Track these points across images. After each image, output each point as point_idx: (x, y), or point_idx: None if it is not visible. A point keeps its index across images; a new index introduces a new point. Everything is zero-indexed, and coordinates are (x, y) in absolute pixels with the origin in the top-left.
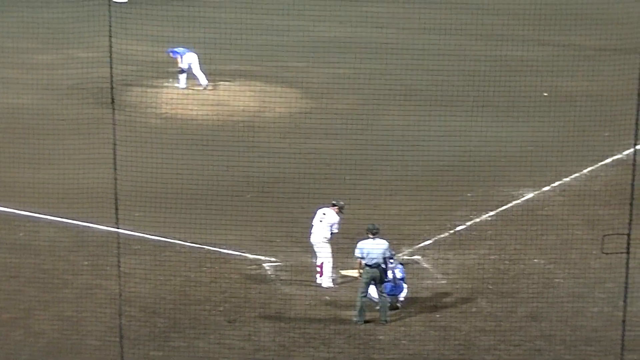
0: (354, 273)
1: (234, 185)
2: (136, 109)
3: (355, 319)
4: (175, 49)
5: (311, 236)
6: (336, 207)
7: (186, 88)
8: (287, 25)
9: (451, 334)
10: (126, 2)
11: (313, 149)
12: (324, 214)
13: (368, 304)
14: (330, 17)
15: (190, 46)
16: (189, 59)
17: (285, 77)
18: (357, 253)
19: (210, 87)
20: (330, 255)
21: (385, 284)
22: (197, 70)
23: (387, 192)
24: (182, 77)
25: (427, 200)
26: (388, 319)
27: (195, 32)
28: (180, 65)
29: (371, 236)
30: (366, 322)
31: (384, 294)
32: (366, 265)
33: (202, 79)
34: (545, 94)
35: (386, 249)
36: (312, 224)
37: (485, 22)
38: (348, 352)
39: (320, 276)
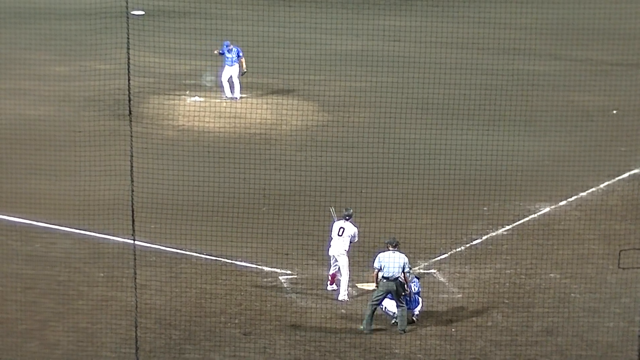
0: (370, 286)
1: (250, 197)
2: (153, 121)
3: (362, 326)
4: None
5: (330, 249)
6: (350, 219)
7: (232, 98)
8: (303, 39)
9: (467, 348)
10: (143, 15)
11: (329, 161)
12: (342, 227)
13: (382, 315)
14: (347, 30)
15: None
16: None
17: (302, 90)
18: (376, 264)
19: (228, 101)
20: (347, 268)
21: (404, 296)
22: (236, 80)
23: (403, 205)
24: (226, 86)
25: (443, 213)
26: (406, 329)
27: (212, 45)
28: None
29: (391, 249)
30: (376, 330)
31: (403, 305)
32: (383, 277)
33: (237, 91)
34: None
35: (405, 264)
36: (331, 237)
37: (502, 36)
38: None
39: (330, 284)
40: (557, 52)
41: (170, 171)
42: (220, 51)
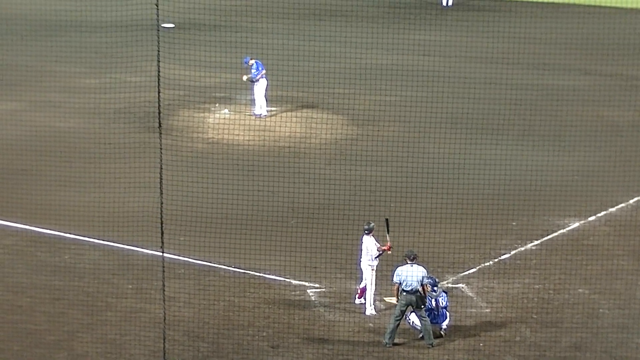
0: (394, 300)
1: (278, 210)
2: (182, 134)
3: (384, 340)
4: (257, 61)
5: (361, 262)
6: (370, 233)
7: (262, 116)
8: (333, 52)
9: None
10: (173, 27)
11: (358, 175)
12: (362, 241)
13: (410, 329)
14: (377, 45)
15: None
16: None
17: (331, 103)
18: (395, 279)
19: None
20: (372, 282)
21: (426, 309)
22: (262, 97)
23: (431, 220)
24: (258, 103)
25: (472, 228)
26: (434, 342)
27: (241, 58)
28: (251, 76)
29: (409, 262)
30: (403, 344)
31: (424, 318)
32: (403, 290)
33: (263, 108)
34: None
35: (424, 276)
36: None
37: (531, 51)
38: None
39: (359, 298)
40: (587, 67)
41: (199, 184)
42: (253, 76)
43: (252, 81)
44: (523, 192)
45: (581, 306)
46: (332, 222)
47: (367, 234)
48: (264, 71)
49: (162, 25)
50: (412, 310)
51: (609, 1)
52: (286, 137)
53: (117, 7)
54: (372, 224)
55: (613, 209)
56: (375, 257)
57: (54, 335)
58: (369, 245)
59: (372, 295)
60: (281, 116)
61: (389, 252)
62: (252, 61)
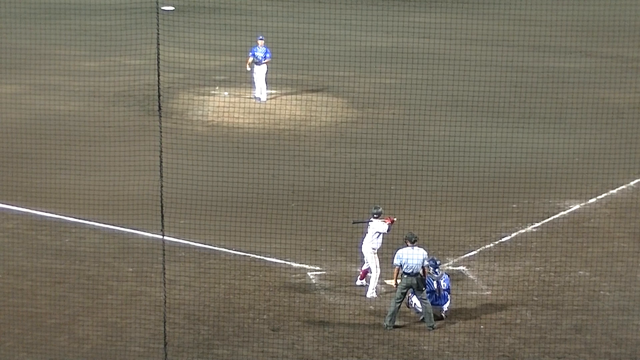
0: (393, 282)
1: (279, 193)
2: (182, 117)
3: (385, 323)
4: (265, 47)
5: (362, 246)
6: (379, 217)
7: (261, 101)
8: (333, 35)
9: (495, 345)
10: (173, 10)
11: (358, 158)
12: (369, 224)
13: (411, 312)
14: (377, 27)
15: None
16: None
17: (332, 86)
18: (396, 261)
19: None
20: (377, 266)
21: (428, 291)
22: (262, 81)
23: (432, 202)
24: (258, 86)
25: (472, 210)
26: (434, 324)
27: (242, 41)
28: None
29: (410, 244)
30: (404, 326)
31: (425, 300)
32: (404, 273)
33: (263, 93)
34: None
35: (425, 258)
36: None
37: (532, 33)
38: None
39: (361, 279)
40: (588, 49)
41: (199, 167)
42: (261, 59)
43: (256, 63)
44: (523, 175)
45: (582, 288)
46: (332, 205)
47: (376, 217)
48: (269, 58)
49: (162, 7)
50: (412, 292)
51: None
52: (286, 119)
53: None
54: (380, 208)
55: (614, 191)
56: (388, 230)
57: (55, 318)
58: (379, 227)
59: (377, 279)
60: (281, 99)
61: (395, 219)
62: (262, 42)
